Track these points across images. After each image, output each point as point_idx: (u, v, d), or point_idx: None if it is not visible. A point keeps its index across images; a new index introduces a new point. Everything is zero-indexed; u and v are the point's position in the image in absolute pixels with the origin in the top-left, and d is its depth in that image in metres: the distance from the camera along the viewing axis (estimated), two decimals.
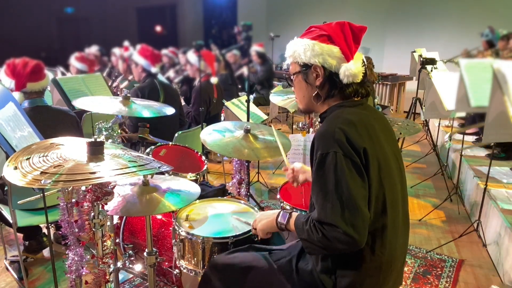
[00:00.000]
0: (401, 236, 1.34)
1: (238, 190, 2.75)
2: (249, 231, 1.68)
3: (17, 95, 2.39)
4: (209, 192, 2.26)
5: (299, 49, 1.35)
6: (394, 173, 1.31)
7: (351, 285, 1.27)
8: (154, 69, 3.54)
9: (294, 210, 1.85)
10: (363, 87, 1.35)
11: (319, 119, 1.45)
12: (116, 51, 5.81)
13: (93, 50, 6.08)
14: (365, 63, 1.36)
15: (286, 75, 1.52)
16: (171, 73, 5.85)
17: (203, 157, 2.63)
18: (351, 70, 1.29)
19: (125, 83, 4.72)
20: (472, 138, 4.67)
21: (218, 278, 1.54)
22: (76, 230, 1.52)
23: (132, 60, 3.62)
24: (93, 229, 1.53)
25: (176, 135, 3.23)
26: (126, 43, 5.53)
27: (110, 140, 1.82)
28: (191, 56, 4.55)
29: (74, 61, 4.48)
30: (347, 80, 1.30)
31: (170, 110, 2.37)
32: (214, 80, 4.49)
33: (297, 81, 1.41)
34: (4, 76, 2.43)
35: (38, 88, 2.47)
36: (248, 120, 3.14)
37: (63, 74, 5.14)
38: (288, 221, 1.36)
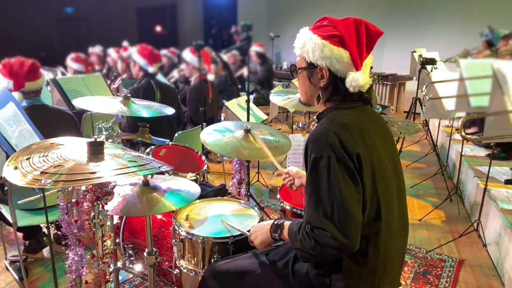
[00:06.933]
0: (398, 238, 1.33)
1: (238, 190, 2.75)
2: (249, 231, 1.68)
3: (15, 95, 2.39)
4: (209, 192, 2.26)
5: (308, 45, 1.31)
6: (390, 175, 1.30)
7: None
8: (151, 69, 3.51)
9: (287, 218, 1.66)
10: (369, 92, 1.33)
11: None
12: (112, 52, 5.80)
13: (96, 50, 6.09)
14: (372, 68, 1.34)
15: (291, 66, 1.48)
16: (175, 73, 5.83)
17: (203, 157, 2.63)
18: (358, 81, 1.26)
19: (118, 82, 4.69)
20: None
21: (216, 285, 1.54)
22: (76, 230, 1.52)
23: (131, 58, 3.62)
24: (93, 229, 1.52)
25: (176, 135, 3.22)
26: (125, 43, 5.52)
27: (110, 140, 1.82)
28: (187, 54, 4.46)
29: (70, 62, 4.47)
30: (353, 90, 1.28)
31: (170, 111, 2.36)
32: (210, 77, 4.44)
33: (302, 76, 1.39)
34: (1, 77, 2.42)
35: (36, 87, 2.48)
36: (248, 120, 3.14)
37: (63, 74, 5.14)
38: (281, 232, 1.35)
